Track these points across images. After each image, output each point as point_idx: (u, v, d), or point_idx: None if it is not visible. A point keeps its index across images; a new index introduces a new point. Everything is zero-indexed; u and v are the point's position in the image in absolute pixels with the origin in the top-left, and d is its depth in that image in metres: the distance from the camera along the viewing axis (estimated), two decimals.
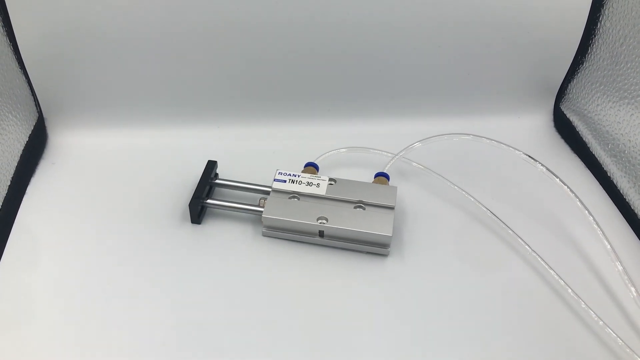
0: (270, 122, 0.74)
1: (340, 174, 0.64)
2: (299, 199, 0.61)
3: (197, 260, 0.59)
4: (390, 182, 0.65)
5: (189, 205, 0.61)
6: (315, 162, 0.67)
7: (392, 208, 0.60)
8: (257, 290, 0.56)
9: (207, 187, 0.64)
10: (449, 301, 0.56)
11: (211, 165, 0.65)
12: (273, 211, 0.59)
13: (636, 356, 0.50)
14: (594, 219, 0.59)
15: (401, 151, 0.67)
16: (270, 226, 0.60)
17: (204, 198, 0.62)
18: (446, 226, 0.63)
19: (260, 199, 0.62)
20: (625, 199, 0.65)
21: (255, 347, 0.51)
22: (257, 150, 0.71)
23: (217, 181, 0.65)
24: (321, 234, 0.59)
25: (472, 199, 0.63)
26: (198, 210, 0.61)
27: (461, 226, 0.63)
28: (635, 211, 0.63)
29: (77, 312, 0.53)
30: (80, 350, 0.51)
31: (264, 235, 0.61)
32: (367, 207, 0.60)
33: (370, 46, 0.70)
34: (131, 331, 0.52)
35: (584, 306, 0.54)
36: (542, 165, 0.62)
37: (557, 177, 0.62)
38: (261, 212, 0.59)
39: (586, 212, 0.60)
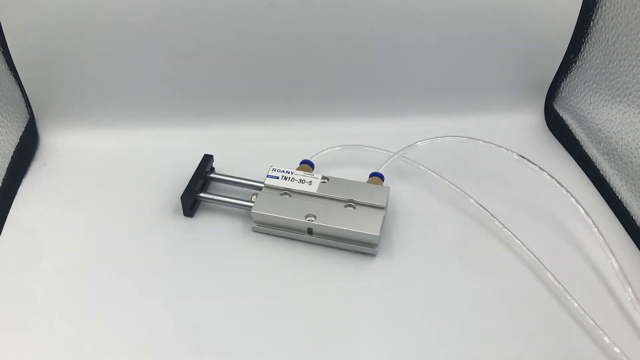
0: (265, 122, 0.74)
1: (336, 173, 0.64)
2: (290, 196, 0.61)
3: (187, 253, 0.59)
4: (386, 182, 0.64)
5: (181, 197, 0.61)
6: (311, 160, 0.66)
7: (382, 208, 0.60)
8: (243, 285, 0.56)
9: (202, 181, 0.64)
10: (435, 302, 0.55)
11: (207, 159, 0.65)
12: (263, 206, 0.59)
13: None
14: (591, 219, 0.59)
15: (399, 151, 0.67)
16: (260, 222, 0.60)
17: (197, 191, 0.62)
18: (438, 227, 0.62)
19: (252, 195, 0.61)
20: (617, 197, 0.65)
21: (239, 341, 0.51)
22: (253, 150, 0.71)
23: (212, 175, 0.65)
24: (310, 231, 0.59)
25: (467, 197, 0.62)
26: (190, 203, 0.61)
27: (453, 226, 0.63)
28: (628, 209, 0.63)
29: (71, 314, 0.53)
30: (76, 350, 0.50)
31: (254, 230, 0.61)
32: (357, 207, 0.60)
33: (361, 47, 0.70)
34: (124, 327, 0.52)
35: (577, 306, 0.53)
36: (542, 169, 0.62)
37: (552, 177, 0.62)
38: (251, 207, 0.59)
39: (582, 211, 0.60)
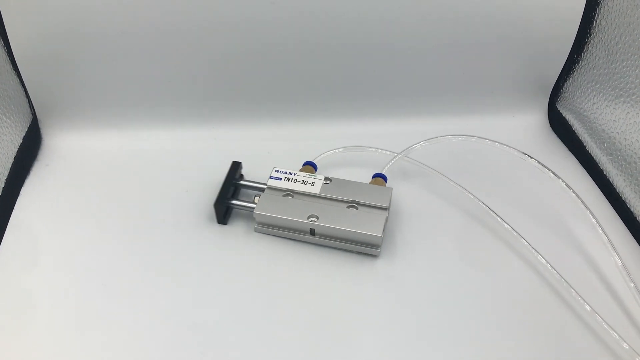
0: (268, 123, 0.74)
1: (339, 173, 0.64)
2: (292, 197, 0.61)
3: (188, 252, 0.59)
4: (389, 183, 0.64)
5: (214, 205, 0.60)
6: (314, 162, 0.66)
7: (385, 209, 0.59)
8: (245, 286, 0.56)
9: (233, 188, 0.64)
10: (438, 303, 0.55)
11: (236, 165, 0.65)
12: (265, 207, 0.59)
13: (635, 354, 0.50)
14: (595, 219, 0.59)
15: (402, 151, 0.67)
16: (262, 222, 0.60)
17: (229, 198, 0.62)
18: (441, 228, 0.62)
19: (255, 196, 0.61)
20: (621, 198, 0.64)
21: (241, 341, 0.51)
22: (255, 151, 0.71)
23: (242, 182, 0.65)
24: (312, 232, 0.59)
25: (472, 197, 0.62)
26: (223, 211, 0.61)
27: (456, 227, 0.62)
28: (632, 210, 0.63)
29: (73, 315, 0.53)
30: (78, 353, 0.50)
31: (256, 231, 0.61)
32: (360, 207, 0.60)
33: (364, 47, 0.70)
34: (127, 328, 0.52)
35: (583, 303, 0.53)
36: (550, 170, 0.63)
37: (559, 177, 0.62)
38: (254, 208, 0.59)
39: (587, 210, 0.60)
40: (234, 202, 0.62)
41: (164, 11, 0.64)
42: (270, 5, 0.65)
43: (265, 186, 0.62)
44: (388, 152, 0.68)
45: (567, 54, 0.72)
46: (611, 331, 0.51)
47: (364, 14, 0.67)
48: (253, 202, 0.60)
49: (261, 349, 0.51)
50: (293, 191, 0.61)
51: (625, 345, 0.50)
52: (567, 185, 0.61)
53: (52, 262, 0.58)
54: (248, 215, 0.62)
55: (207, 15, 0.65)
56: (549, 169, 0.62)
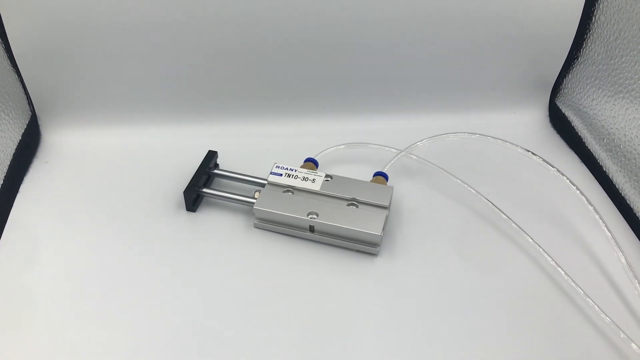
0: (270, 119, 0.74)
1: (341, 170, 0.64)
2: (292, 193, 0.61)
3: (188, 249, 0.59)
4: (390, 180, 0.64)
5: (184, 192, 0.61)
6: (315, 158, 0.66)
7: (385, 208, 0.59)
8: (244, 282, 0.56)
9: (205, 177, 0.64)
10: (437, 302, 0.55)
11: (211, 155, 0.65)
12: (265, 203, 0.59)
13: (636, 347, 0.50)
14: (599, 215, 0.59)
15: (405, 148, 0.67)
16: (262, 218, 0.60)
17: (200, 186, 0.62)
18: (441, 226, 0.62)
19: (255, 191, 0.61)
20: (621, 194, 0.65)
21: (239, 337, 0.51)
22: (257, 147, 0.71)
23: (216, 171, 0.65)
24: (312, 229, 0.59)
25: (478, 195, 0.62)
26: (193, 198, 0.62)
27: (457, 225, 0.62)
28: (631, 205, 0.63)
29: (74, 311, 0.53)
30: (77, 351, 0.50)
31: (256, 227, 0.61)
32: (360, 205, 0.60)
33: (366, 44, 0.69)
34: (126, 325, 0.52)
35: (586, 299, 0.53)
36: (554, 167, 0.63)
37: (564, 174, 0.62)
38: (254, 203, 0.59)
39: (590, 207, 0.60)
40: (205, 190, 0.62)
41: (162, 8, 0.64)
42: (271, 1, 0.65)
43: (265, 182, 0.62)
44: (390, 149, 0.68)
45: (568, 50, 0.72)
46: (616, 328, 0.51)
47: (365, 10, 0.67)
48: (253, 198, 0.60)
49: (258, 346, 0.51)
50: (293, 187, 0.61)
51: (634, 345, 0.50)
52: (570, 182, 0.61)
53: (50, 259, 0.57)
54: (248, 210, 0.62)
55: (205, 11, 0.65)
56: (553, 166, 0.62)
